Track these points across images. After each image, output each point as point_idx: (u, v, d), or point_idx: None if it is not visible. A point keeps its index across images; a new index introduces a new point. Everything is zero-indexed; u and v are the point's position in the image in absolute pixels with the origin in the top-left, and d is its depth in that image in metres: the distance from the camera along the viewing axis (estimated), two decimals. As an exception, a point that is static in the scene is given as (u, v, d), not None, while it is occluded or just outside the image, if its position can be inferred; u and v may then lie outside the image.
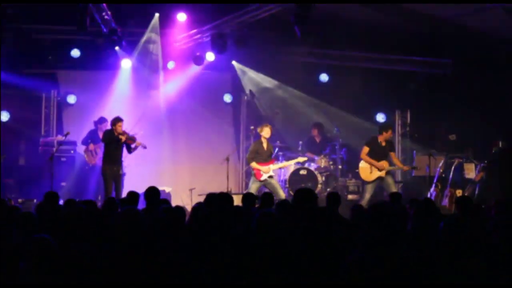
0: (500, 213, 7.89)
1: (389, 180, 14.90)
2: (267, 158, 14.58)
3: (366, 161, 14.93)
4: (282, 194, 14.28)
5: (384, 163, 14.81)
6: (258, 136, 14.86)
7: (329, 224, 6.35)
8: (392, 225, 5.42)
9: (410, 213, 6.74)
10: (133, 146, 14.16)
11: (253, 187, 14.51)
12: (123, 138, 13.95)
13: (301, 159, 15.46)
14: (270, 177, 14.51)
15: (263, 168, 14.44)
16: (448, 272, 5.19)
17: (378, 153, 14.90)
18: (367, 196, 14.70)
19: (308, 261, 5.43)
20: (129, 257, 5.39)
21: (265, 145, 14.64)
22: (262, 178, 14.45)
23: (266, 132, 14.57)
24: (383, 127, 15.33)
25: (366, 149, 14.98)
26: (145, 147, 14.37)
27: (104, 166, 13.97)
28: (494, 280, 5.21)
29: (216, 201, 7.97)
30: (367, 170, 14.93)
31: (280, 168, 16.10)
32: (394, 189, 14.65)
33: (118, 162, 14.08)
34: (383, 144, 14.99)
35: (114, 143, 13.98)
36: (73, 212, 6.74)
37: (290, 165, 16.27)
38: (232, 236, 6.16)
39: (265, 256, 5.48)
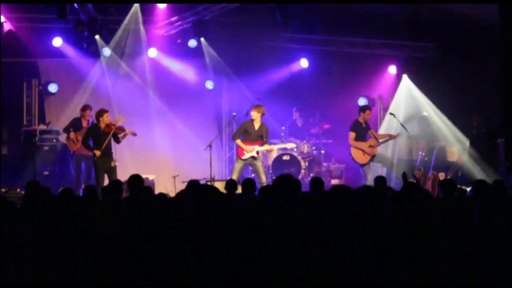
0: (477, 194, 7.97)
1: (384, 157, 15.43)
2: (256, 138, 14.54)
3: (356, 147, 15.08)
4: (264, 179, 14.31)
5: (371, 141, 15.04)
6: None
7: (311, 208, 6.40)
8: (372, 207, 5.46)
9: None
10: (121, 135, 14.07)
11: (236, 166, 14.56)
12: (110, 130, 13.84)
13: (289, 145, 15.44)
14: (254, 158, 14.49)
15: (247, 147, 14.44)
16: (429, 254, 5.23)
17: (361, 135, 15.20)
18: (369, 177, 14.81)
19: (290, 246, 5.46)
20: (111, 248, 5.40)
21: (256, 125, 14.60)
22: (244, 157, 14.45)
23: (252, 114, 14.60)
24: (361, 109, 15.64)
25: (352, 135, 15.15)
26: (135, 135, 14.31)
27: (95, 160, 13.86)
28: (476, 262, 5.26)
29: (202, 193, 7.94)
30: (360, 152, 15.10)
31: (266, 152, 16.23)
32: (389, 160, 15.30)
33: (109, 154, 13.98)
34: (364, 125, 15.20)
35: (102, 136, 13.88)
36: (48, 202, 6.72)
37: (274, 151, 16.34)
38: (216, 222, 6.17)
39: (249, 240, 5.51)
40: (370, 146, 15.10)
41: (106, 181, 13.74)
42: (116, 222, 5.66)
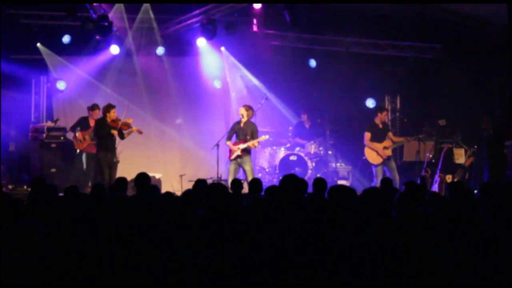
0: (485, 197, 7.95)
1: (393, 164, 15.23)
2: (242, 137, 14.51)
3: (370, 148, 15.07)
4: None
5: (387, 142, 15.01)
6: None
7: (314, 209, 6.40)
8: (378, 209, 5.45)
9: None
10: (126, 131, 14.06)
11: (229, 168, 14.53)
12: (116, 125, 13.85)
13: (263, 137, 15.17)
14: (239, 157, 14.34)
15: (233, 147, 14.47)
16: (436, 256, 5.23)
17: (379, 136, 15.16)
18: (380, 179, 14.77)
19: (295, 246, 5.46)
20: (119, 245, 5.40)
21: (241, 124, 14.58)
22: (232, 158, 14.44)
23: (240, 112, 14.64)
24: (377, 109, 15.69)
25: (368, 135, 15.15)
26: (140, 132, 14.29)
27: (98, 155, 13.84)
28: (482, 263, 5.25)
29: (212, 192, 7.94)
30: (374, 152, 15.08)
31: (273, 152, 16.30)
32: (396, 174, 14.95)
33: (112, 150, 13.96)
34: (380, 126, 15.20)
35: (106, 131, 13.89)
36: (54, 201, 6.73)
37: (281, 151, 16.41)
38: (223, 222, 6.17)
39: (254, 240, 5.51)
40: (384, 147, 15.07)
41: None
42: (123, 219, 5.67)
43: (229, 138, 14.55)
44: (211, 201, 6.40)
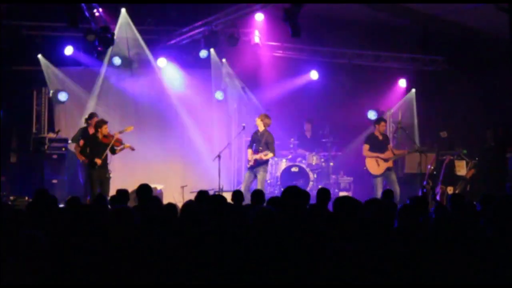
0: (486, 209, 7.92)
1: (393, 177, 15.20)
2: (257, 147, 14.73)
3: (371, 156, 15.07)
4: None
5: (387, 154, 15.00)
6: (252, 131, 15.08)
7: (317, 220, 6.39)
8: (380, 220, 5.45)
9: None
10: (118, 148, 14.09)
11: (245, 175, 14.92)
12: (108, 141, 13.88)
13: (269, 155, 15.15)
14: (252, 167, 14.66)
15: (250, 156, 14.82)
16: (438, 268, 5.22)
17: (378, 148, 15.20)
18: (379, 192, 14.74)
19: (298, 256, 5.46)
20: (121, 255, 5.39)
21: (258, 134, 14.86)
22: (248, 165, 14.76)
23: (256, 123, 14.84)
24: (375, 121, 15.78)
25: (366, 147, 15.22)
26: (133, 149, 14.31)
27: (90, 170, 13.89)
28: (486, 276, 5.24)
29: (210, 203, 7.94)
30: (375, 164, 15.07)
31: (274, 163, 16.40)
32: (397, 186, 14.91)
33: (104, 165, 13.98)
34: (380, 137, 15.22)
35: (101, 147, 13.92)
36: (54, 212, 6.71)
37: (282, 163, 16.47)
38: (224, 233, 6.16)
39: (261, 251, 5.50)
40: (385, 160, 15.05)
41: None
42: (125, 230, 5.66)
43: (250, 147, 14.88)
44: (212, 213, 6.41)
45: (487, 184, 15.63)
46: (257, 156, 14.53)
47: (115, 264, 5.30)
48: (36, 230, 5.49)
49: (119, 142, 14.05)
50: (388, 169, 15.06)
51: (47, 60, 17.30)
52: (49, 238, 5.60)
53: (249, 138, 15.54)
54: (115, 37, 16.21)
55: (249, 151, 14.84)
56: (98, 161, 13.68)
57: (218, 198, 8.19)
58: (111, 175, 14.11)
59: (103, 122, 14.01)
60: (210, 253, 5.59)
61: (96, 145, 13.86)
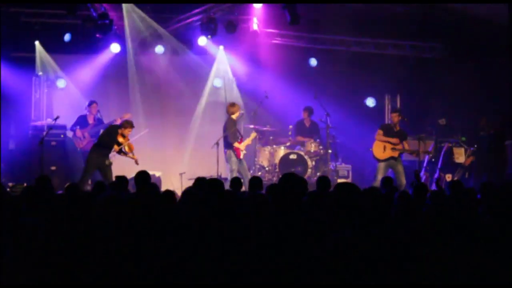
0: (485, 197, 7.94)
1: (400, 168, 15.00)
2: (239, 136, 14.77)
3: (381, 140, 14.99)
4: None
5: (397, 140, 14.94)
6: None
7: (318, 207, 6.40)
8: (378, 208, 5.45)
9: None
10: (125, 153, 14.16)
11: (236, 169, 14.73)
12: (123, 142, 13.97)
13: (252, 135, 15.34)
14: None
15: (241, 146, 14.73)
16: (436, 256, 5.23)
17: (391, 137, 15.04)
18: (380, 177, 14.68)
19: (296, 245, 5.46)
20: (114, 244, 5.40)
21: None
22: (241, 157, 14.70)
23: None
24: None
25: (380, 132, 15.11)
26: (137, 163, 14.29)
27: (91, 154, 13.89)
28: (481, 262, 5.26)
29: (206, 187, 7.95)
30: (380, 148, 14.98)
31: (273, 151, 16.42)
32: (403, 178, 14.80)
33: (107, 155, 14.02)
34: (396, 128, 15.14)
35: (113, 141, 13.98)
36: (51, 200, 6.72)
37: (280, 150, 16.47)
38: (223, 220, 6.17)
39: (255, 238, 5.51)
40: (393, 149, 14.96)
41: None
42: (114, 218, 5.66)
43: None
44: (209, 198, 6.41)
45: (486, 171, 15.64)
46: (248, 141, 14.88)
47: (108, 253, 5.31)
48: (33, 218, 5.50)
49: (130, 149, 14.14)
50: (393, 158, 14.92)
51: (44, 47, 17.29)
52: (47, 225, 5.60)
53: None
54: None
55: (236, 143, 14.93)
56: (116, 147, 13.95)
57: (216, 182, 8.17)
58: (111, 161, 14.13)
59: (130, 125, 14.07)
60: (208, 241, 5.60)
61: (114, 138, 13.98)
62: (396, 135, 15.05)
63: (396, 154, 14.94)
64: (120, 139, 13.96)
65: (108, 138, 13.95)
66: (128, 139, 14.09)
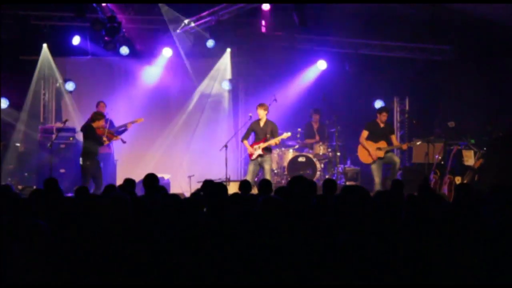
0: (496, 199, 7.89)
1: (396, 159, 15.14)
2: (261, 136, 14.58)
3: (363, 146, 15.02)
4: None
5: (381, 143, 14.91)
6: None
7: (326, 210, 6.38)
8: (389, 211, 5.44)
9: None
10: (112, 140, 14.27)
11: (249, 168, 14.69)
12: (102, 133, 14.04)
13: (285, 135, 15.28)
14: (261, 156, 14.49)
15: (249, 147, 14.70)
16: (444, 258, 5.22)
17: (377, 135, 15.08)
18: (377, 180, 14.75)
19: (303, 247, 5.45)
20: (121, 245, 5.40)
21: (261, 123, 14.66)
22: (252, 158, 14.57)
23: (259, 113, 14.66)
24: (378, 110, 15.64)
25: (365, 133, 15.11)
26: (124, 142, 14.39)
27: (85, 162, 13.91)
28: (489, 266, 5.23)
29: (210, 189, 7.94)
30: (365, 152, 15.03)
31: (282, 154, 16.34)
32: (395, 163, 14.96)
33: (98, 155, 14.12)
34: (381, 125, 15.09)
35: (95, 139, 14.04)
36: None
37: (289, 152, 16.42)
38: (229, 221, 6.16)
39: (262, 240, 5.50)
40: (378, 148, 14.97)
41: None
42: (119, 220, 5.66)
43: (245, 138, 14.74)
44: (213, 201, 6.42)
45: (496, 174, 15.57)
46: (271, 142, 14.49)
47: (114, 254, 5.31)
48: (40, 220, 5.50)
49: (112, 134, 14.24)
50: (379, 158, 14.96)
51: (52, 50, 17.35)
52: (54, 227, 5.61)
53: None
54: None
55: (246, 142, 14.81)
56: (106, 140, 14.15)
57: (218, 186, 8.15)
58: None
59: (101, 116, 14.18)
60: (216, 243, 5.59)
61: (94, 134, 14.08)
62: (381, 132, 15.09)
63: (381, 154, 14.94)
64: (100, 132, 14.04)
65: (90, 137, 13.99)
66: (104, 128, 14.18)
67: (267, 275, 5.21)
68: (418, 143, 15.59)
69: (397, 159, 15.22)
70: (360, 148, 15.20)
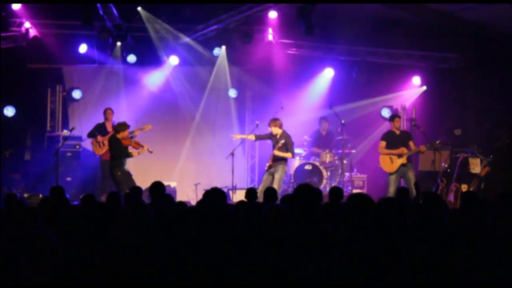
0: (504, 206, 7.86)
1: (410, 175, 14.78)
2: (275, 145, 14.59)
3: (385, 154, 14.86)
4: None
5: (401, 150, 14.79)
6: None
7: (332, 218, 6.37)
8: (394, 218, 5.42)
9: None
10: (138, 150, 14.14)
11: (263, 177, 14.64)
12: (129, 143, 14.00)
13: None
14: (271, 166, 14.42)
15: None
16: (449, 265, 5.21)
17: (394, 143, 14.88)
18: (391, 190, 14.57)
19: (310, 255, 5.45)
20: (133, 253, 5.40)
21: (277, 136, 14.62)
22: (266, 167, 14.57)
23: (271, 130, 14.65)
24: (390, 119, 15.47)
25: (382, 144, 14.96)
26: (151, 152, 14.32)
27: (116, 173, 13.83)
28: (495, 274, 5.22)
29: (210, 196, 7.93)
30: (388, 160, 14.86)
31: (289, 161, 16.38)
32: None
33: (120, 166, 14.01)
34: (397, 132, 14.99)
35: (121, 150, 13.99)
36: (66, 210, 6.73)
37: (296, 160, 16.42)
38: (231, 230, 6.16)
39: (269, 248, 5.50)
40: (399, 156, 14.82)
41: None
42: (140, 228, 5.66)
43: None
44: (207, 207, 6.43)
45: (502, 182, 15.53)
46: (275, 153, 14.45)
47: (125, 262, 5.31)
48: (47, 230, 5.51)
49: (138, 145, 14.12)
50: (402, 165, 14.79)
51: (60, 58, 17.40)
52: (61, 237, 5.62)
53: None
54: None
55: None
56: (134, 153, 14.03)
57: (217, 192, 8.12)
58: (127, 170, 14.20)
59: (125, 126, 14.10)
60: (220, 251, 5.59)
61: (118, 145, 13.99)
62: (399, 140, 14.95)
63: (405, 160, 14.77)
64: (126, 142, 13.97)
65: (117, 149, 13.96)
66: (131, 138, 14.10)
67: (272, 283, 5.21)
68: (437, 141, 15.41)
69: (412, 175, 14.92)
70: (381, 158, 15.03)
